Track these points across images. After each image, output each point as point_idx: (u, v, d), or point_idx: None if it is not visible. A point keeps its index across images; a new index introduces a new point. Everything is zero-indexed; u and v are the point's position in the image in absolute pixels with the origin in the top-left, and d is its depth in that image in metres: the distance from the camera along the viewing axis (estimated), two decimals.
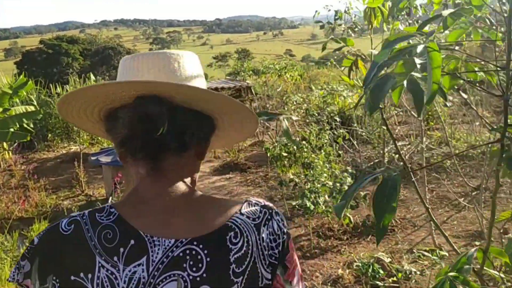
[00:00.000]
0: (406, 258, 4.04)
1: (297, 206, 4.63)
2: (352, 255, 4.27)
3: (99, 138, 8.21)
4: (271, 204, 0.93)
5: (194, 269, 0.79)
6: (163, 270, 0.79)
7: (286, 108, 8.82)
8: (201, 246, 0.81)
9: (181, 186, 0.88)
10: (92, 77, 16.42)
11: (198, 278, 0.79)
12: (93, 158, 6.77)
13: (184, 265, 0.79)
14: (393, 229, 4.83)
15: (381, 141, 5.30)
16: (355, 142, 7.25)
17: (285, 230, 0.89)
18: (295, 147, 5.42)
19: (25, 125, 11.47)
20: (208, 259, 0.80)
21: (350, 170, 4.98)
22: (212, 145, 1.01)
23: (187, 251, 0.80)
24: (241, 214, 0.87)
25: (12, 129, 10.25)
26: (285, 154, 5.44)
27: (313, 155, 5.40)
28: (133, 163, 0.89)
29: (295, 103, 8.55)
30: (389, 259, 3.87)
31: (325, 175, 4.89)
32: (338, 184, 4.59)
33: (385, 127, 5.42)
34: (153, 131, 0.84)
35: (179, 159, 0.89)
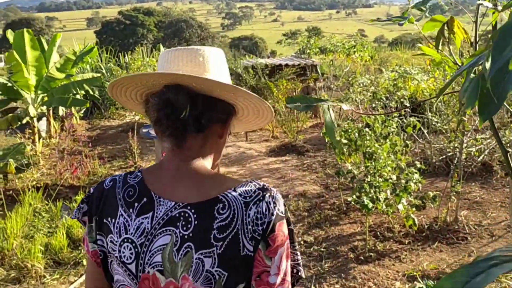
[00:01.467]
0: None
1: (353, 203, 4.08)
2: (414, 264, 3.68)
3: None
4: (272, 189, 1.03)
5: (184, 228, 0.98)
6: (162, 225, 0.99)
7: (351, 90, 8.14)
8: (192, 210, 0.99)
9: (194, 162, 1.06)
10: (162, 48, 16.49)
11: (185, 236, 0.97)
12: (144, 130, 6.57)
13: (178, 223, 0.99)
14: (466, 236, 4.15)
15: (459, 133, 4.56)
16: (426, 132, 6.49)
17: (274, 212, 0.99)
18: (356, 134, 4.84)
19: (91, 92, 11.73)
20: (196, 222, 0.98)
21: (418, 165, 4.33)
22: (234, 128, 1.19)
23: (182, 213, 0.99)
24: (234, 191, 1.01)
25: (77, 95, 10.46)
26: (344, 141, 4.87)
27: (376, 145, 4.79)
28: (162, 139, 1.07)
29: (361, 85, 7.84)
30: None
31: (388, 168, 4.28)
32: (403, 181, 3.98)
33: (462, 117, 4.67)
34: (175, 114, 1.01)
35: (198, 139, 1.07)
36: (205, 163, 1.09)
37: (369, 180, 4.30)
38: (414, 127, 5.02)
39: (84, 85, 8.62)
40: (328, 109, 1.21)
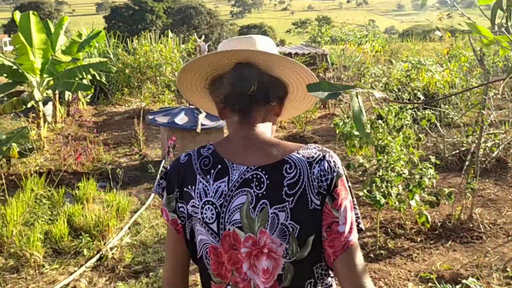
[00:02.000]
0: (496, 277, 3.24)
1: (364, 197, 3.92)
2: (427, 263, 3.53)
3: (161, 97, 7.87)
4: (329, 150, 1.17)
5: (258, 188, 1.12)
6: (238, 187, 1.13)
7: (362, 81, 7.93)
8: (263, 172, 1.12)
9: (259, 132, 1.20)
10: (170, 34, 16.31)
11: (260, 194, 1.11)
12: (150, 117, 6.43)
13: (252, 184, 1.12)
14: (481, 236, 3.98)
15: (477, 127, 4.37)
16: (438, 125, 6.29)
17: (335, 170, 1.12)
18: (368, 125, 4.66)
19: (97, 78, 11.59)
20: (268, 181, 1.11)
21: (432, 159, 4.15)
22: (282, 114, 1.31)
23: (254, 175, 1.13)
24: (298, 153, 1.14)
25: (82, 80, 10.33)
26: (356, 133, 4.70)
27: (389, 137, 4.62)
28: (230, 115, 1.22)
29: (373, 75, 7.64)
30: (474, 277, 3.10)
31: (402, 162, 4.11)
32: (417, 176, 3.81)
33: (481, 110, 4.48)
34: (247, 88, 1.17)
35: (261, 113, 1.21)
36: (267, 134, 1.21)
37: (380, 174, 4.14)
38: (429, 121, 4.83)
39: (90, 69, 8.48)
40: (357, 96, 1.05)
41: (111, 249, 3.86)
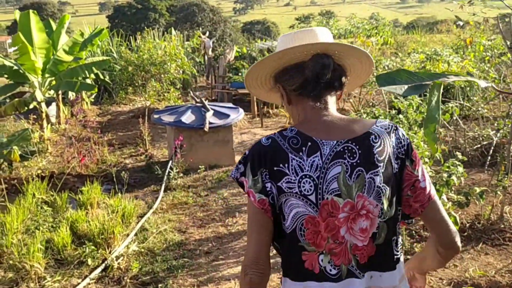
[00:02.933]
0: None
1: None
2: (458, 269, 3.26)
3: (166, 95, 7.61)
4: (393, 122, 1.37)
5: (351, 158, 1.25)
6: (331, 159, 1.25)
7: (374, 74, 7.63)
8: (354, 143, 1.27)
9: (333, 113, 1.35)
10: (173, 32, 16.06)
11: (354, 163, 1.25)
12: (155, 116, 6.18)
13: (344, 156, 1.26)
14: None
15: (508, 120, 4.07)
16: (456, 118, 5.99)
17: (406, 137, 1.33)
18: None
19: (101, 77, 11.36)
20: (359, 151, 1.26)
21: (460, 156, 3.86)
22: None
23: (345, 148, 1.26)
24: (376, 126, 1.32)
25: (85, 79, 10.10)
26: None
27: (410, 133, 4.34)
28: (303, 101, 1.35)
29: (386, 68, 7.34)
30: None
31: (426, 159, 3.83)
32: (445, 174, 3.52)
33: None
34: (325, 76, 1.31)
35: (331, 98, 1.36)
36: (338, 114, 1.35)
37: None
38: (451, 114, 4.54)
39: (93, 68, 8.25)
40: (439, 89, 0.79)
41: (117, 258, 3.61)
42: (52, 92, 8.34)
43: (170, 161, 5.84)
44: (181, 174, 5.69)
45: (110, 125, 10.35)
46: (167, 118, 5.98)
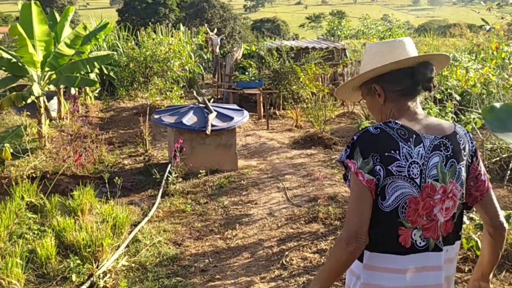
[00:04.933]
0: None
1: None
2: None
3: (168, 93, 7.29)
4: None
5: (446, 151, 1.52)
6: (431, 150, 1.49)
7: None
8: (447, 139, 1.53)
9: (421, 110, 1.59)
10: (182, 28, 15.78)
11: (448, 155, 1.52)
12: (156, 116, 5.87)
13: (441, 148, 1.51)
14: None
15: None
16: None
17: (473, 141, 1.62)
18: None
19: (105, 71, 11.07)
20: (452, 146, 1.53)
21: None
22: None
23: (441, 142, 1.52)
24: (458, 127, 1.60)
25: (89, 74, 9.81)
26: None
27: None
28: (402, 101, 1.57)
29: None
30: None
31: None
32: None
33: None
34: (432, 79, 1.56)
35: (420, 97, 1.60)
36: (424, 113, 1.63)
37: None
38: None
39: (95, 63, 7.95)
40: None
41: (104, 274, 3.31)
42: (52, 86, 8.03)
43: (169, 165, 5.54)
44: (180, 179, 5.39)
45: (112, 122, 10.07)
46: (168, 119, 5.67)
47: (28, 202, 4.56)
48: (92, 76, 10.70)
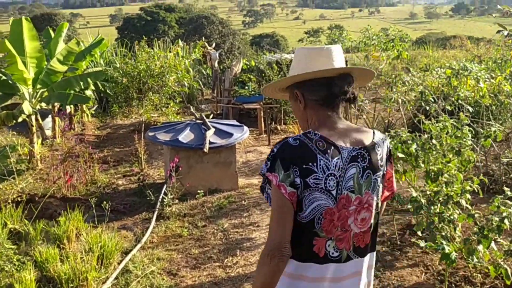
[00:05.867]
0: None
1: (425, 246, 2.97)
2: None
3: (164, 109, 6.97)
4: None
5: (363, 162, 1.54)
6: (349, 162, 1.51)
7: (393, 90, 6.97)
8: (365, 150, 1.55)
9: (345, 122, 1.60)
10: (180, 43, 15.60)
11: (365, 166, 1.54)
12: (150, 134, 5.55)
13: (358, 160, 1.53)
14: None
15: None
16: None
17: (390, 146, 1.68)
18: (414, 146, 3.73)
19: (101, 88, 10.80)
20: (369, 157, 1.55)
21: (509, 192, 3.18)
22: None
23: (359, 153, 1.54)
24: (377, 137, 1.61)
25: (84, 91, 9.52)
26: (400, 155, 3.76)
27: (443, 160, 3.68)
28: (321, 110, 1.58)
29: (406, 84, 6.68)
30: None
31: (468, 196, 3.16)
32: (495, 218, 2.84)
33: None
34: (348, 92, 1.58)
35: (341, 107, 1.60)
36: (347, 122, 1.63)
37: (438, 210, 3.19)
38: (494, 139, 3.87)
39: (89, 79, 7.66)
40: None
41: None
42: (43, 104, 7.73)
43: (165, 185, 5.20)
44: (177, 200, 5.05)
45: (108, 140, 9.76)
46: (163, 137, 5.35)
47: (12, 229, 4.22)
48: (89, 93, 10.43)
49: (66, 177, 5.64)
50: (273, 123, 10.13)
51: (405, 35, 9.46)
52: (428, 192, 3.38)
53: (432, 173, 3.57)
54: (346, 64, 1.83)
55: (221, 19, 59.86)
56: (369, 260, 1.61)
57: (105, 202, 4.52)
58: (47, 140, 8.92)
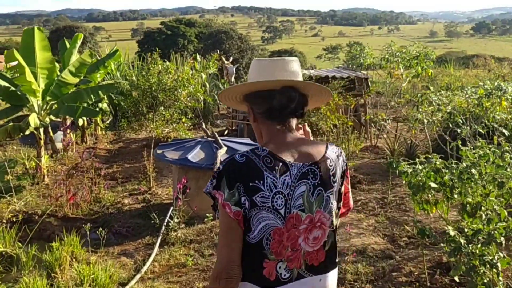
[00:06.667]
0: None
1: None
2: None
3: (175, 125, 6.65)
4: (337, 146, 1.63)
5: (314, 179, 1.47)
6: (298, 179, 1.45)
7: (419, 110, 6.54)
8: (316, 166, 1.49)
9: (297, 136, 1.54)
10: (198, 58, 15.48)
11: (316, 184, 1.48)
12: (158, 151, 5.21)
13: (308, 177, 1.47)
14: None
15: None
16: None
17: (345, 159, 1.62)
18: (448, 175, 3.30)
19: (115, 101, 10.60)
20: (320, 174, 1.49)
21: None
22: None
23: (309, 170, 1.47)
24: (330, 151, 1.55)
25: (98, 104, 9.31)
26: (433, 185, 3.33)
27: (481, 192, 3.24)
28: (269, 124, 1.53)
29: (433, 103, 6.24)
30: None
31: None
32: None
33: None
34: (289, 106, 1.51)
35: (295, 121, 1.55)
36: (301, 136, 1.57)
37: (478, 252, 2.75)
38: None
39: (100, 92, 7.41)
40: None
41: None
42: (52, 116, 7.50)
43: (171, 208, 4.84)
44: (183, 225, 4.67)
45: (119, 154, 9.50)
46: (171, 155, 5.00)
47: (4, 253, 3.90)
48: (104, 105, 10.23)
49: (69, 194, 5.33)
50: None
51: (431, 51, 9.01)
52: (466, 230, 2.95)
53: (470, 207, 3.14)
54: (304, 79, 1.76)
55: (240, 35, 60.27)
56: (329, 278, 1.54)
57: (101, 229, 4.15)
58: (58, 153, 8.71)
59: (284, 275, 1.45)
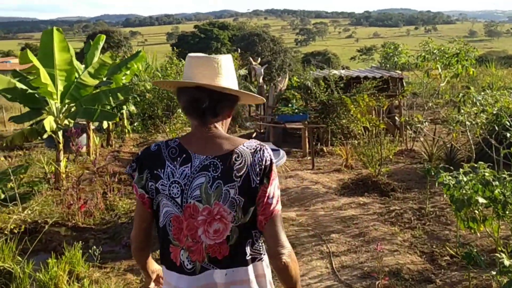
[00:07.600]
0: None
1: None
2: None
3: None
4: (264, 144, 1.58)
5: (214, 171, 1.50)
6: (198, 171, 1.50)
7: (460, 111, 5.92)
8: (218, 160, 1.52)
9: (214, 131, 1.57)
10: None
11: (216, 176, 1.50)
12: None
13: (209, 169, 1.50)
14: None
15: None
16: None
17: (270, 158, 1.54)
18: (501, 188, 2.76)
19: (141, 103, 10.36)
20: (222, 167, 1.51)
21: None
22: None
23: (212, 162, 1.51)
24: (243, 146, 1.54)
25: (129, 106, 9.08)
26: (482, 201, 2.80)
27: None
28: (189, 118, 1.61)
29: (477, 104, 5.63)
30: None
31: None
32: None
33: None
34: (198, 105, 1.55)
35: (214, 119, 1.58)
36: (221, 131, 1.60)
37: None
38: None
39: (118, 94, 7.15)
40: None
41: None
42: (68, 120, 7.29)
43: None
44: None
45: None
46: None
47: (1, 268, 3.61)
48: (132, 107, 10.04)
49: (80, 202, 5.04)
50: (318, 144, 9.26)
51: (472, 49, 8.31)
52: None
53: None
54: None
55: (273, 37, 59.93)
56: (237, 274, 1.52)
57: (97, 249, 3.76)
58: (81, 157, 8.54)
59: (187, 264, 1.50)
